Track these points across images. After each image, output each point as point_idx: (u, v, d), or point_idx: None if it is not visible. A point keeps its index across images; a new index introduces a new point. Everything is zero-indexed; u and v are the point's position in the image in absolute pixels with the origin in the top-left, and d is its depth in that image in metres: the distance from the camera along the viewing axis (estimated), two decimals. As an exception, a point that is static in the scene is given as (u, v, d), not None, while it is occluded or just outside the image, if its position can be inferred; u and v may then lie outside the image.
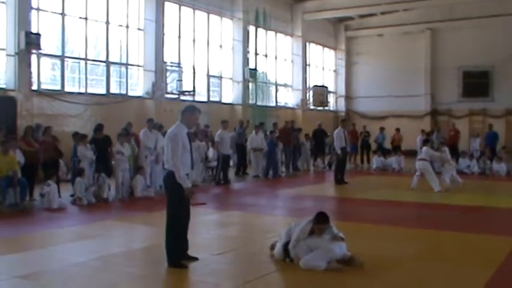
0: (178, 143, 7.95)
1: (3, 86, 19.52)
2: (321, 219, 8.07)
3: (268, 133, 23.10)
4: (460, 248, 9.47)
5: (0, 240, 10.35)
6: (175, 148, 7.94)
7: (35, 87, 20.25)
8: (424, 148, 18.45)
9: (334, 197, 17.42)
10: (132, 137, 17.06)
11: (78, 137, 16.04)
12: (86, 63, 22.63)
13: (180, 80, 25.73)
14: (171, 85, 25.45)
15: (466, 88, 35.52)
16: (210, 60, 29.03)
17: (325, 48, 39.45)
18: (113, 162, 16.05)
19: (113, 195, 15.13)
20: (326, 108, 37.61)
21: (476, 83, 35.05)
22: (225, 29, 29.90)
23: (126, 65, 24.44)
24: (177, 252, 8.11)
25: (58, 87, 21.46)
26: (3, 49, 19.52)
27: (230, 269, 8.17)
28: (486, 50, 33.88)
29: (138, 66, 24.95)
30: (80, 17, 22.21)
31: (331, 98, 39.12)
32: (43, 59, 21.04)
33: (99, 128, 16.63)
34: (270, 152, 21.98)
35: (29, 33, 19.28)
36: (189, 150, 8.17)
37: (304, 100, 35.64)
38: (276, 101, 34.53)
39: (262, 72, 33.30)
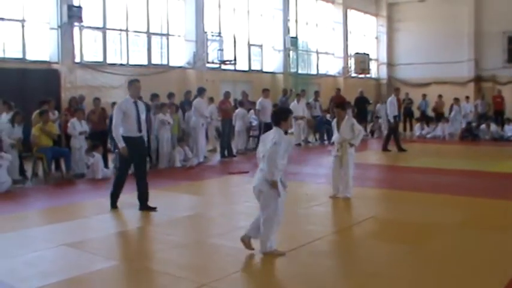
0: (118, 112, 9.64)
1: (47, 59, 19.88)
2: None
3: (311, 101, 23.48)
4: (507, 217, 9.27)
5: (47, 209, 10.67)
6: (115, 116, 9.68)
7: (77, 59, 20.54)
8: None
9: (378, 164, 17.20)
10: (176, 107, 17.32)
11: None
12: (127, 35, 22.83)
13: (221, 50, 25.69)
14: (212, 55, 25.46)
15: (511, 53, 34.75)
16: (251, 29, 28.95)
17: (366, 15, 38.89)
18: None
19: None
20: (367, 75, 37.24)
21: (522, 48, 34.29)
22: (265, -3, 29.73)
23: (167, 35, 24.54)
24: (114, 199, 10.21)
25: (100, 59, 21.72)
26: (47, 23, 19.84)
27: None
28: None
29: (179, 36, 25.03)
30: (121, -11, 22.34)
31: (372, 66, 38.68)
32: (85, 32, 21.27)
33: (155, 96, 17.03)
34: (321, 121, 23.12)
35: (71, 7, 19.69)
36: (134, 116, 9.66)
37: (345, 68, 35.40)
38: (317, 69, 34.35)
39: (303, 41, 33.11)
